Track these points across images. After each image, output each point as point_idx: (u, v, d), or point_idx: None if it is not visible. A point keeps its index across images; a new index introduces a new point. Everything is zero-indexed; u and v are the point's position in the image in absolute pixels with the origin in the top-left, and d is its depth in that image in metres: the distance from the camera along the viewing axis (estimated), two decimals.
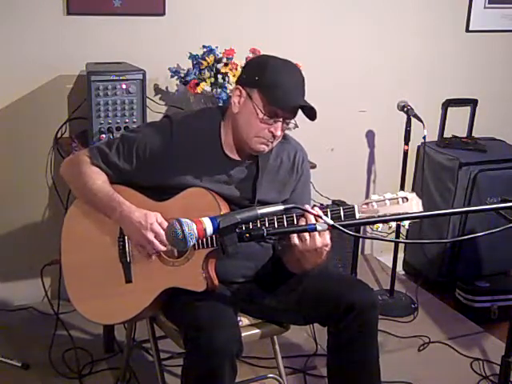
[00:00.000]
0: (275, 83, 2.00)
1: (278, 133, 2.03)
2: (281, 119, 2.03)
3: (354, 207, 1.87)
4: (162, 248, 2.04)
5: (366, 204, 1.84)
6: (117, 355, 2.81)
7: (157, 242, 2.03)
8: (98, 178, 2.14)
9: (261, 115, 2.01)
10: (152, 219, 2.03)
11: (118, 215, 2.08)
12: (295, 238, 1.86)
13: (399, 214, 1.80)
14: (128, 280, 2.13)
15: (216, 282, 2.09)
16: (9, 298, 3.18)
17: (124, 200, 2.09)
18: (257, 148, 2.08)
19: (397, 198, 1.82)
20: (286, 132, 2.21)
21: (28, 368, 2.72)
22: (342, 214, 1.87)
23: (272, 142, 2.07)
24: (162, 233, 2.02)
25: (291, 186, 2.20)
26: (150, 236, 2.02)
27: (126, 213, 2.06)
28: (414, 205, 1.82)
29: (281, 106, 2.01)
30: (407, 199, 1.82)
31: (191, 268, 2.05)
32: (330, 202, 3.14)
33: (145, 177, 2.13)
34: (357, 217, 1.85)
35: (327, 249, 1.92)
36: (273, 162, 2.17)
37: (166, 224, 2.03)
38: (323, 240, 1.87)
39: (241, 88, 2.06)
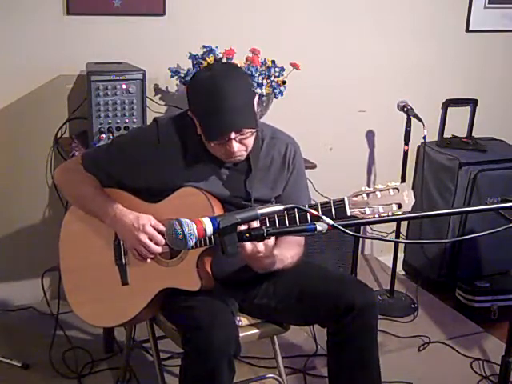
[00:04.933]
0: (204, 115, 1.96)
1: (235, 149, 1.98)
2: (228, 138, 1.96)
3: (343, 200, 1.84)
4: (157, 249, 2.04)
5: (356, 196, 1.81)
6: (117, 355, 2.81)
7: (151, 243, 2.03)
8: (91, 184, 2.16)
9: (209, 141, 1.99)
10: (144, 221, 2.04)
11: (111, 219, 2.09)
12: None
13: (390, 204, 1.78)
14: (124, 282, 2.14)
15: (211, 280, 2.09)
16: (9, 297, 3.18)
17: (117, 204, 2.10)
18: (230, 161, 2.07)
19: (387, 189, 1.78)
20: (276, 124, 2.20)
21: (28, 368, 2.72)
22: (332, 207, 1.85)
23: (245, 150, 2.03)
24: (156, 234, 2.03)
25: (283, 181, 2.18)
26: (143, 238, 2.02)
27: (119, 216, 2.07)
28: (406, 195, 1.78)
29: (215, 139, 1.98)
30: (398, 190, 1.78)
31: (185, 268, 2.05)
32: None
33: (136, 180, 2.13)
34: (348, 209, 1.83)
35: (261, 255, 1.94)
36: (264, 160, 2.15)
37: (160, 225, 2.04)
38: (253, 248, 1.90)
39: (192, 115, 2.03)
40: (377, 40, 3.52)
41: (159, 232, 2.04)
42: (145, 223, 2.04)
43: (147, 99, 2.84)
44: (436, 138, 3.68)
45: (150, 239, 2.04)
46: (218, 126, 1.94)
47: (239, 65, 2.91)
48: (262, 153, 2.15)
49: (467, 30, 3.72)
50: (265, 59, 2.97)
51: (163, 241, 2.03)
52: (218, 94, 1.91)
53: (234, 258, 1.93)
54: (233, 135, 1.95)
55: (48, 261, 2.71)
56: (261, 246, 1.92)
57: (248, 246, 1.90)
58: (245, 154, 2.05)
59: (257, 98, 2.05)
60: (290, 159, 2.18)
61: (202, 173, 2.09)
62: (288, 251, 2.13)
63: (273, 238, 1.94)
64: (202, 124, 1.99)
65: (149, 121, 2.69)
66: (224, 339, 1.91)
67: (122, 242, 2.13)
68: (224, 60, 2.89)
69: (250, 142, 2.02)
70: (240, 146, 1.99)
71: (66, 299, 2.23)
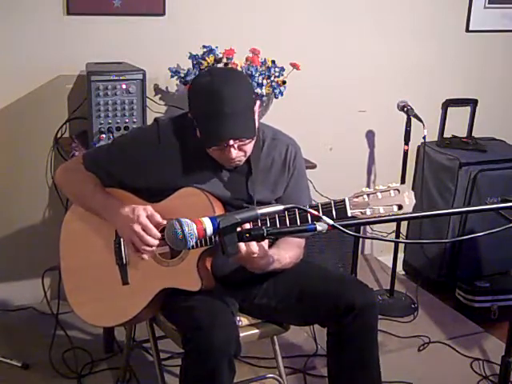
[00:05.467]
0: (203, 121, 1.97)
1: (233, 156, 1.98)
2: (227, 145, 1.97)
3: (344, 200, 1.84)
4: (151, 240, 2.02)
5: (357, 197, 1.81)
6: (117, 355, 2.81)
7: (145, 235, 2.00)
8: (92, 182, 2.16)
9: (207, 147, 2.00)
10: (139, 212, 2.02)
11: (109, 213, 2.09)
12: None
13: (391, 205, 1.78)
14: (125, 282, 2.13)
15: (212, 280, 2.09)
16: (9, 298, 3.18)
17: (117, 199, 2.10)
18: (229, 166, 2.07)
19: (388, 190, 1.78)
20: (276, 124, 2.20)
21: (28, 368, 2.72)
22: (333, 208, 1.85)
23: (244, 156, 2.03)
24: (150, 225, 2.01)
25: (284, 183, 2.18)
26: (137, 228, 2.00)
27: (116, 208, 2.07)
28: (406, 196, 1.78)
29: (213, 146, 1.98)
30: (399, 191, 1.78)
31: (186, 268, 2.05)
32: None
33: (136, 180, 2.13)
34: (348, 210, 1.83)
35: (255, 256, 1.94)
36: (264, 161, 2.15)
37: (156, 216, 2.02)
38: (247, 249, 1.90)
39: (191, 118, 2.03)
40: (377, 40, 3.52)
41: (156, 222, 2.02)
42: (140, 214, 2.02)
43: (147, 99, 2.84)
44: (436, 138, 3.68)
45: (145, 231, 2.02)
46: (217, 133, 1.94)
47: (239, 65, 2.91)
48: (263, 154, 2.14)
49: (467, 30, 3.72)
50: (265, 59, 2.98)
51: (158, 234, 2.02)
52: (216, 99, 1.91)
53: (234, 258, 1.95)
54: (231, 142, 1.95)
55: (48, 261, 2.71)
56: (255, 246, 1.92)
57: (242, 247, 1.89)
58: (243, 159, 2.05)
59: (258, 103, 2.04)
60: (290, 161, 2.18)
61: (203, 174, 2.09)
62: (286, 252, 2.13)
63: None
64: (201, 129, 1.99)
65: (149, 121, 2.70)
66: (224, 339, 1.91)
67: (122, 241, 2.13)
68: (224, 60, 2.89)
69: (249, 147, 2.02)
70: (238, 152, 2.00)
71: (66, 299, 2.23)
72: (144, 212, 2.03)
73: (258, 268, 2.03)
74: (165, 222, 2.02)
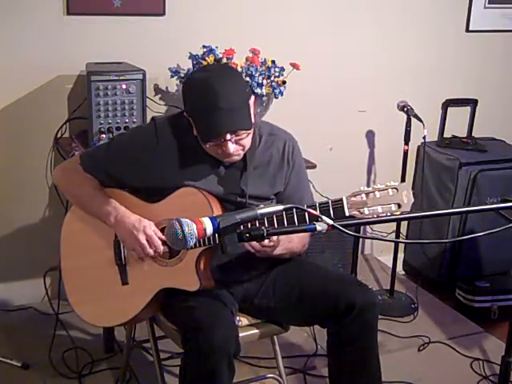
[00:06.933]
0: (198, 116, 1.97)
1: (231, 150, 1.98)
2: (224, 139, 1.97)
3: (342, 200, 1.83)
4: (152, 252, 2.05)
5: (355, 196, 1.80)
6: (117, 355, 2.81)
7: (147, 246, 2.04)
8: (91, 185, 2.17)
9: (204, 142, 2.00)
10: (146, 223, 2.05)
11: (112, 220, 2.10)
12: None
13: (389, 204, 1.78)
14: (124, 282, 2.14)
15: (211, 280, 2.09)
16: (9, 298, 3.18)
17: (119, 205, 2.11)
18: (227, 161, 2.07)
19: (386, 189, 1.78)
20: (275, 124, 2.21)
21: (28, 368, 2.72)
22: (330, 207, 1.84)
23: (242, 150, 2.04)
24: (155, 236, 2.04)
25: (283, 178, 2.18)
26: (142, 238, 2.03)
27: (121, 217, 2.08)
28: (405, 195, 1.77)
29: (209, 141, 1.98)
30: (397, 190, 1.77)
31: (184, 268, 2.05)
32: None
33: (135, 180, 2.14)
34: (346, 210, 1.82)
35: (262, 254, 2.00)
36: (262, 156, 2.15)
37: (158, 232, 2.06)
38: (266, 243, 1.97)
39: (187, 116, 2.04)
40: (377, 40, 3.52)
41: (159, 238, 2.05)
42: (146, 225, 2.05)
43: (147, 99, 2.84)
44: (436, 138, 3.68)
45: (148, 241, 2.04)
46: (213, 128, 1.94)
47: (239, 65, 2.91)
48: (260, 150, 2.15)
49: (467, 30, 3.72)
50: (265, 59, 2.98)
51: (161, 246, 2.04)
52: (212, 94, 1.91)
53: (234, 257, 1.96)
54: (228, 136, 1.95)
55: (48, 261, 2.71)
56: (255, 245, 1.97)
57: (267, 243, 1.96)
58: (242, 153, 2.05)
59: (253, 98, 2.04)
60: (289, 155, 2.18)
61: (200, 171, 2.10)
62: (292, 239, 2.14)
63: None
64: (197, 125, 1.99)
65: (149, 121, 2.70)
66: (224, 339, 1.91)
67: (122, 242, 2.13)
68: (224, 60, 2.89)
69: (247, 141, 2.03)
70: (236, 147, 2.00)
71: (67, 299, 2.23)
72: (150, 225, 2.06)
73: (268, 255, 2.05)
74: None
